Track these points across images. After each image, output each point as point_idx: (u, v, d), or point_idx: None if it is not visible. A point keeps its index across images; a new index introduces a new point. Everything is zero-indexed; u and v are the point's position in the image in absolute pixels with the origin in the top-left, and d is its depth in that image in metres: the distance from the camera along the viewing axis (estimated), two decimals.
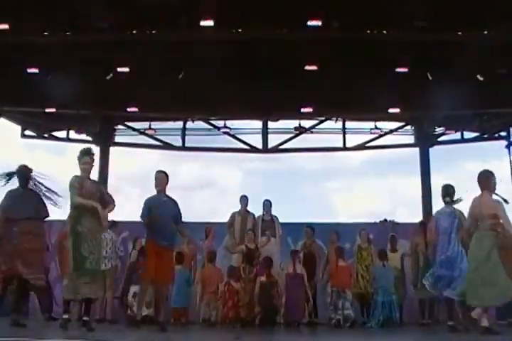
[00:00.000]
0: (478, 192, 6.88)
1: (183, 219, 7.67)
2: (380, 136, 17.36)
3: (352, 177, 28.76)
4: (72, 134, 17.29)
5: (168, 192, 7.63)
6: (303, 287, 9.29)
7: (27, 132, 16.98)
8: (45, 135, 17.18)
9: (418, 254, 9.76)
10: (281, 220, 10.54)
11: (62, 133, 17.35)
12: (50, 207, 7.33)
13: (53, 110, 15.04)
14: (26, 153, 19.94)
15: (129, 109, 15.70)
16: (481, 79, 13.45)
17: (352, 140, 17.67)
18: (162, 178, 7.56)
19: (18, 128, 16.81)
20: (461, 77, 13.02)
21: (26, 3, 10.99)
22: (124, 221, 10.46)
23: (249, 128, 17.64)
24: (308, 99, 14.99)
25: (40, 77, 13.23)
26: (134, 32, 12.31)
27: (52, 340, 6.06)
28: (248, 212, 10.58)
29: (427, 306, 9.60)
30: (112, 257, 9.73)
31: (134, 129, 17.62)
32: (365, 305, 9.82)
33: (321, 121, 17.31)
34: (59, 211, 7.45)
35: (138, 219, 7.67)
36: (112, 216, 8.17)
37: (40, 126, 16.76)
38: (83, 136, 17.32)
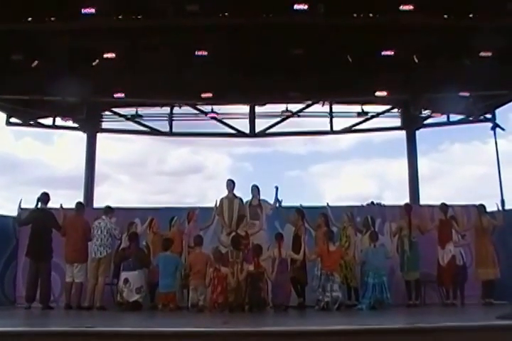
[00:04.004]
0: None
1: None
2: (367, 119, 17.41)
3: (339, 160, 29.02)
4: (59, 121, 17.15)
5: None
6: (288, 271, 9.39)
7: (12, 119, 16.78)
8: (31, 122, 17.02)
9: (403, 238, 9.85)
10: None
11: (48, 120, 17.19)
12: None
13: (39, 97, 14.90)
14: (13, 141, 19.86)
15: (115, 95, 15.61)
16: (467, 62, 13.50)
17: (339, 123, 17.73)
18: None
19: (3, 115, 16.65)
20: (447, 59, 13.07)
21: None
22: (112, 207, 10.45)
23: (237, 113, 17.61)
24: (295, 83, 14.96)
25: (25, 63, 13.12)
26: (120, 18, 12.21)
27: (40, 328, 6.12)
28: (235, 196, 10.56)
29: (413, 288, 9.74)
30: (106, 245, 9.69)
31: (120, 115, 17.53)
32: (351, 288, 9.90)
33: (308, 105, 17.31)
34: None
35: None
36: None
37: (26, 114, 16.52)
38: (70, 123, 17.20)
